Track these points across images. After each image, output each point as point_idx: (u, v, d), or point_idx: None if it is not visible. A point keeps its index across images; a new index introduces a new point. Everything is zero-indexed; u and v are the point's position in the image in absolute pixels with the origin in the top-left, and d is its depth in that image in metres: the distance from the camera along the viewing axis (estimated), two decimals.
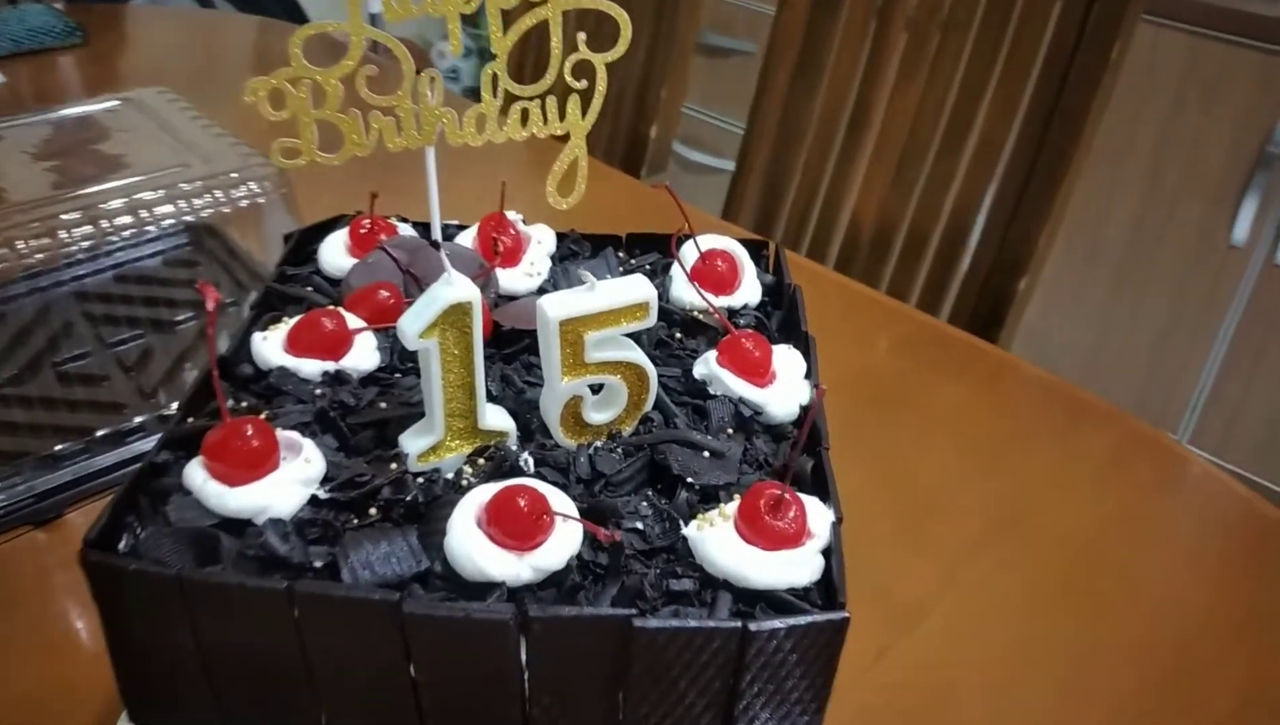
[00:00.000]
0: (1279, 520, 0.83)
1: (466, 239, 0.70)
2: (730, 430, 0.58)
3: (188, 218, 0.91)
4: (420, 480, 0.54)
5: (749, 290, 0.68)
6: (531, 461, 0.55)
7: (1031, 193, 1.33)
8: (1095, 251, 2.09)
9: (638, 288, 0.55)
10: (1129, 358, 2.12)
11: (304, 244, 0.72)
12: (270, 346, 0.59)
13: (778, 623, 0.47)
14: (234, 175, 0.94)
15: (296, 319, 0.61)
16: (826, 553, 0.50)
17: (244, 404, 0.57)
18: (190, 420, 0.56)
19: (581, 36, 0.64)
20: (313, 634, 0.47)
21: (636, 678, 0.48)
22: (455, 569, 0.49)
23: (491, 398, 0.58)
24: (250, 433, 0.51)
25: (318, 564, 0.49)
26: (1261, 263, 1.88)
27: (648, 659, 0.47)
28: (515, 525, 0.48)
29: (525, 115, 0.66)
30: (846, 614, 0.47)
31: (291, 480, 0.51)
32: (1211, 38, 1.84)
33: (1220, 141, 1.87)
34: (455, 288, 0.52)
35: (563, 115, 0.66)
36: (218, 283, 0.99)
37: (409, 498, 0.52)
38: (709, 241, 0.69)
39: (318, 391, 0.58)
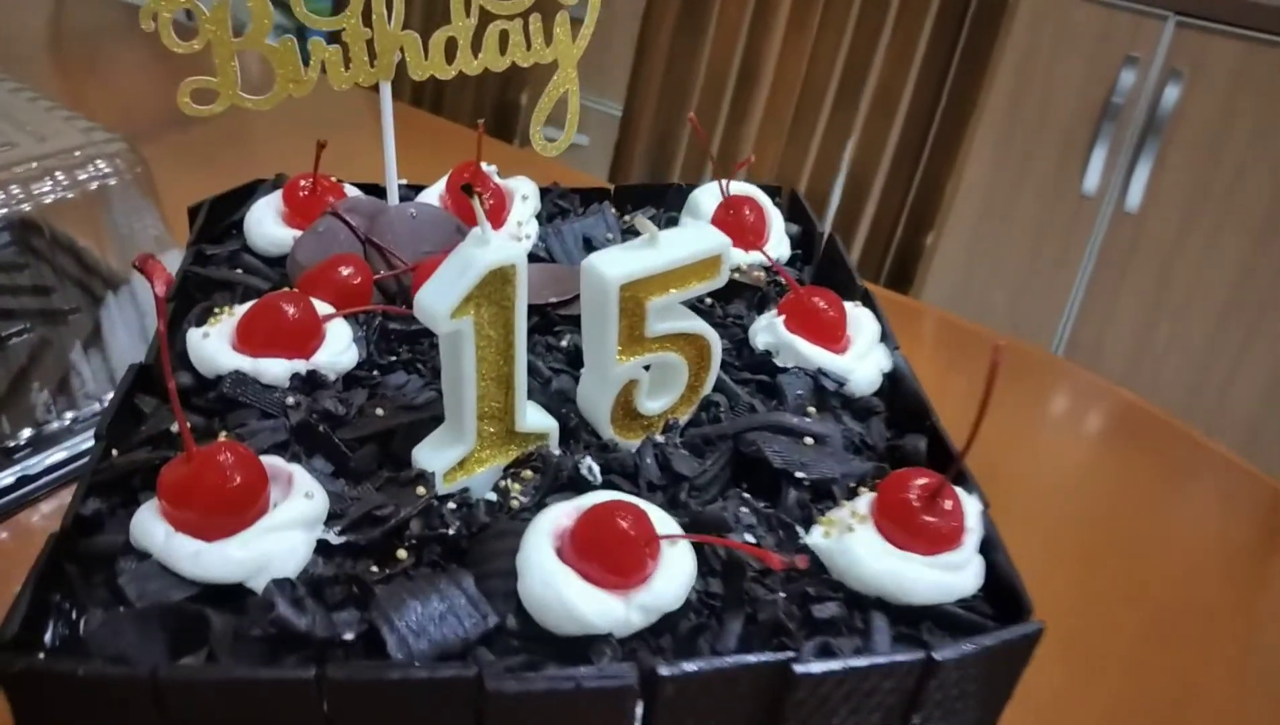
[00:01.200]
0: None
1: (431, 198, 0.56)
2: (813, 409, 0.47)
3: (24, 206, 0.72)
4: (452, 506, 0.41)
5: (779, 241, 0.57)
6: (597, 468, 0.43)
7: (937, 141, 1.28)
8: (954, 200, 2.09)
9: (708, 237, 0.44)
10: (988, 308, 2.14)
11: (219, 216, 0.56)
12: (215, 346, 0.45)
13: (967, 646, 0.37)
14: (76, 154, 0.76)
15: (245, 308, 0.46)
16: (985, 550, 0.41)
17: (188, 425, 0.42)
18: (114, 453, 0.41)
19: None
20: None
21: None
22: (536, 621, 0.37)
23: None
24: (229, 463, 0.37)
25: (349, 636, 0.35)
26: (1111, 211, 1.92)
27: (806, 709, 0.36)
28: (618, 556, 0.36)
29: (504, 39, 0.53)
30: (1040, 623, 0.38)
31: (290, 524, 0.37)
32: None
33: (1069, 92, 1.90)
34: (493, 247, 0.39)
35: (549, 39, 0.54)
36: (50, 288, 0.80)
37: (448, 532, 0.39)
38: (728, 188, 0.58)
39: (289, 400, 0.44)
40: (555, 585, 0.36)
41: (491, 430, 0.43)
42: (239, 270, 0.53)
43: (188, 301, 0.50)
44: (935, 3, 1.25)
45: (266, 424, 0.43)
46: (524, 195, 0.57)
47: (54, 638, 0.35)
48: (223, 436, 0.42)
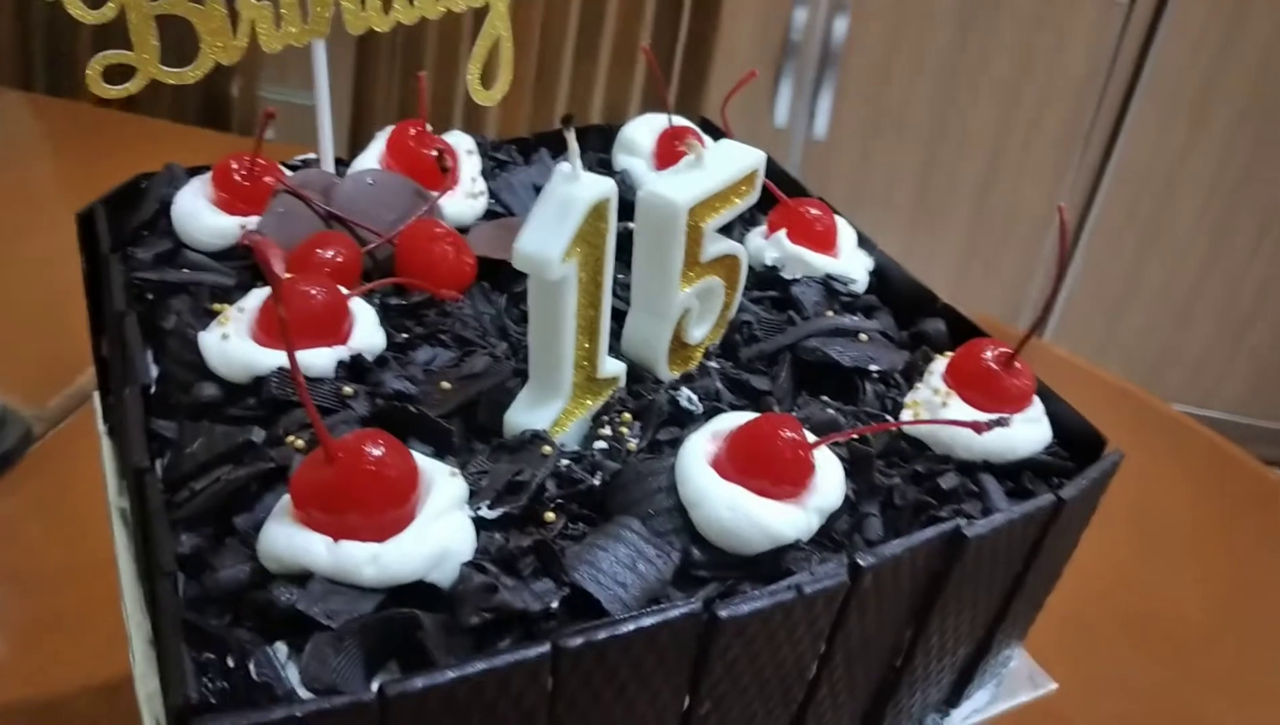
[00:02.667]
0: None
1: (371, 163, 0.52)
2: (830, 313, 0.49)
3: None
4: (566, 464, 0.39)
5: None
6: (695, 397, 0.42)
7: (683, 85, 1.33)
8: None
9: (744, 153, 0.44)
10: None
11: (119, 221, 0.49)
12: (240, 346, 0.39)
13: (1083, 482, 0.40)
14: None
15: (255, 302, 0.41)
16: (1044, 400, 0.45)
17: (258, 436, 0.37)
18: (190, 485, 0.35)
19: None
20: (570, 700, 0.32)
21: (948, 595, 0.39)
22: (721, 547, 0.36)
23: None
24: (381, 453, 0.33)
25: (554, 604, 0.33)
26: (802, 140, 2.08)
27: (969, 568, 0.39)
28: (791, 465, 0.37)
29: None
30: (1120, 451, 0.43)
31: (451, 506, 0.34)
32: None
33: (750, 32, 2.02)
34: (586, 183, 0.37)
35: None
36: None
37: (593, 483, 0.38)
38: (653, 122, 0.58)
39: (346, 389, 0.39)
40: (741, 506, 0.36)
41: (576, 380, 0.41)
42: (185, 270, 0.46)
43: (147, 314, 0.43)
44: None
45: (333, 419, 0.38)
46: (469, 150, 0.53)
47: (220, 691, 0.30)
48: (290, 440, 0.37)
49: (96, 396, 0.57)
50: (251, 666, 0.30)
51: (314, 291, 0.40)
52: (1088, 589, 0.70)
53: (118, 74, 0.43)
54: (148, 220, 0.49)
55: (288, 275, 0.42)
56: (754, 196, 0.45)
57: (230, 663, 0.31)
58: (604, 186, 0.37)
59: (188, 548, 0.33)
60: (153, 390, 0.40)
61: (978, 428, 0.37)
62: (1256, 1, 1.77)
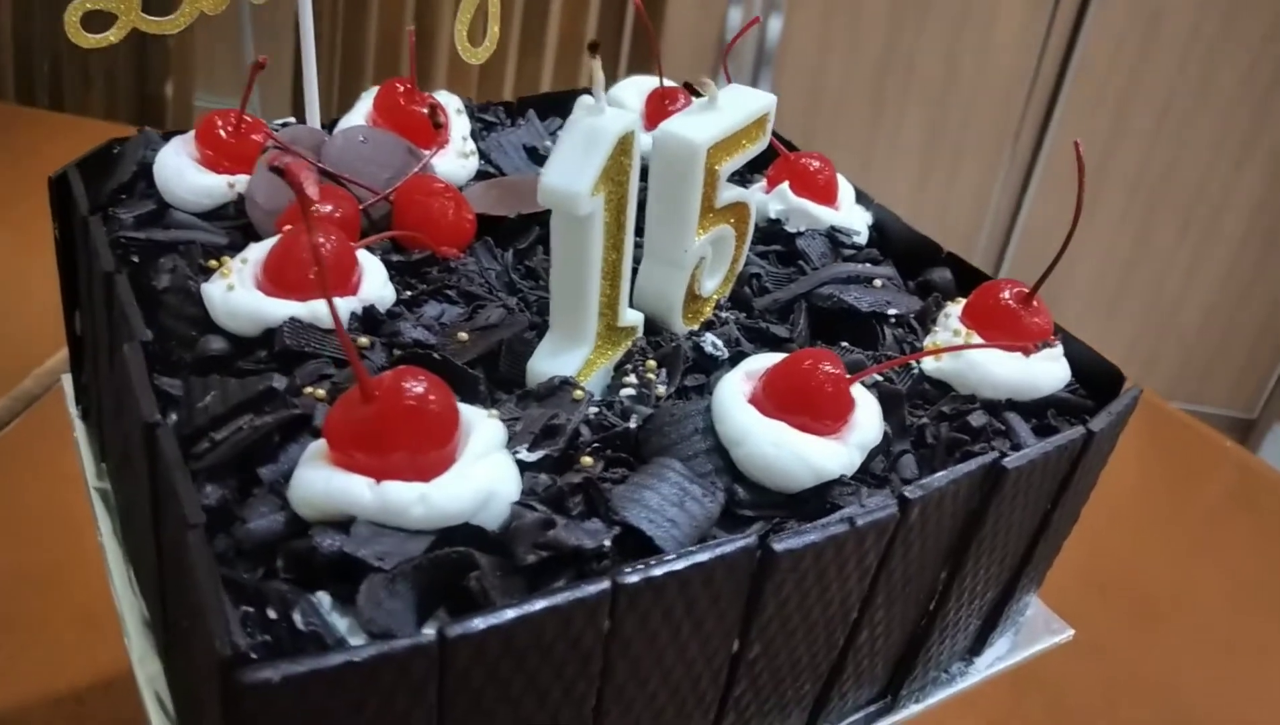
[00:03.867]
0: None
1: (359, 121, 0.50)
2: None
3: None
4: (596, 412, 0.37)
5: None
6: (720, 342, 0.41)
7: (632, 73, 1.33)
8: None
9: (755, 95, 0.43)
10: None
11: (96, 183, 0.46)
12: (246, 297, 0.37)
13: (1110, 415, 0.41)
14: None
15: (258, 253, 0.39)
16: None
17: (279, 383, 0.35)
18: (210, 436, 0.33)
19: None
20: (625, 642, 0.31)
21: (985, 529, 0.39)
22: (766, 485, 0.35)
23: None
24: (422, 388, 0.31)
25: (606, 543, 0.32)
26: None
27: (1007, 499, 0.38)
28: (834, 400, 0.36)
29: None
30: (1139, 387, 0.43)
31: (493, 446, 0.33)
32: None
33: (686, 33, 2.03)
34: (610, 115, 0.36)
35: None
36: None
37: (628, 426, 0.36)
38: (640, 84, 0.57)
39: (361, 340, 0.38)
40: (787, 442, 0.35)
41: (598, 329, 0.40)
42: (172, 229, 0.44)
43: (136, 273, 0.41)
44: None
45: (350, 371, 0.36)
46: (457, 109, 0.52)
47: (274, 640, 0.28)
48: (316, 391, 0.35)
49: (66, 379, 0.54)
50: (297, 616, 0.29)
51: (325, 242, 0.38)
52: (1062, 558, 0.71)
53: (98, 23, 0.41)
54: (125, 182, 0.46)
55: (288, 227, 0.40)
56: (764, 141, 0.44)
57: (272, 614, 0.29)
58: (629, 119, 0.36)
59: (212, 499, 0.31)
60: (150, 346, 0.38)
61: (1025, 350, 0.37)
62: (1174, 1, 1.83)
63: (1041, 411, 0.42)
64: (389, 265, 0.44)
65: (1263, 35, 1.84)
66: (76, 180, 0.46)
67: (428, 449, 0.31)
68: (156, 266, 0.42)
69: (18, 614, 0.66)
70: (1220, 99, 1.90)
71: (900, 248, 0.51)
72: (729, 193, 0.44)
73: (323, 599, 0.29)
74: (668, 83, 0.57)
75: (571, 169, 0.35)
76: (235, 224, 0.45)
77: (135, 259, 0.43)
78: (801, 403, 0.36)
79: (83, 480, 0.51)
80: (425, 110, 0.48)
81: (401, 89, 0.49)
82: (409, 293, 0.43)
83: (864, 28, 1.92)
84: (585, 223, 0.36)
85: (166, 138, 0.50)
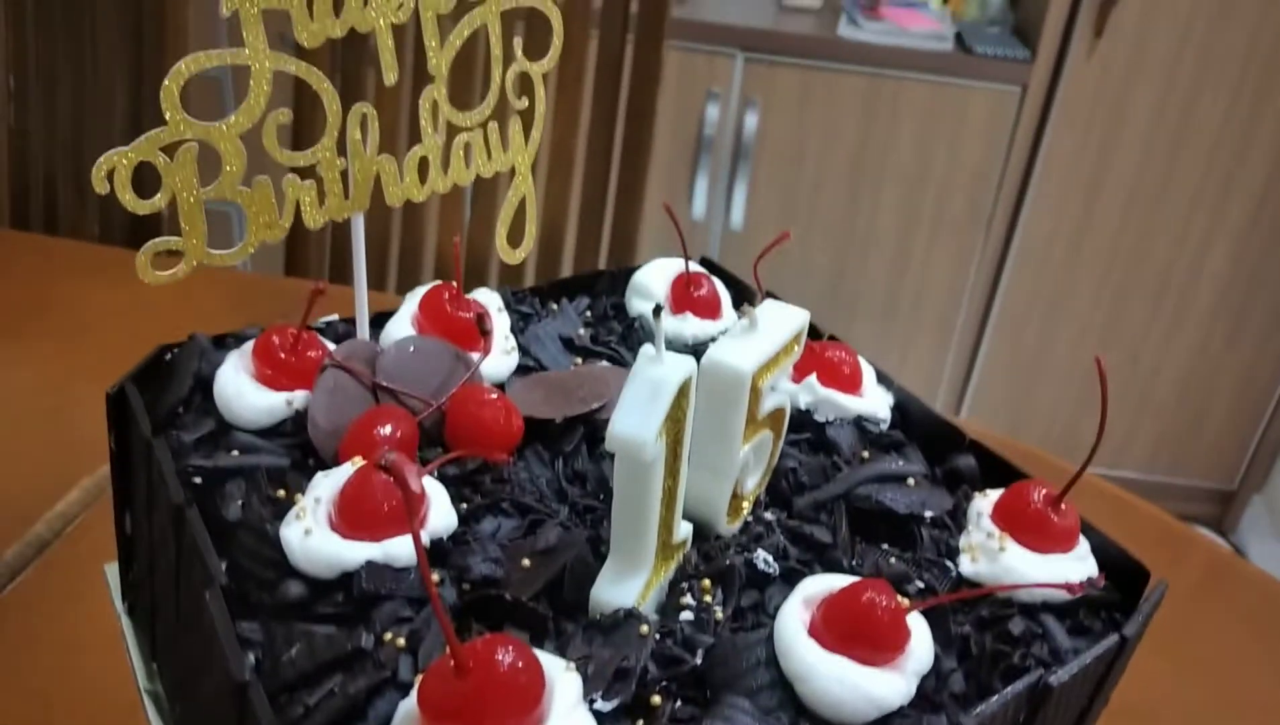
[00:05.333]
0: None
1: (404, 325, 0.51)
2: (865, 453, 0.51)
3: None
4: (659, 639, 0.39)
5: (729, 311, 0.60)
6: (771, 558, 0.43)
7: (621, 192, 1.36)
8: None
9: (791, 315, 0.46)
10: None
11: (152, 395, 0.48)
12: (323, 540, 0.38)
13: (1141, 617, 0.43)
14: None
15: (329, 491, 0.40)
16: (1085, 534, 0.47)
17: (366, 642, 0.36)
18: (303, 700, 0.34)
19: (518, 41, 0.51)
20: None
21: None
22: (829, 718, 0.37)
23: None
24: (513, 660, 0.32)
25: None
26: (720, 230, 2.13)
27: (1050, 712, 0.40)
28: (890, 634, 0.38)
29: (468, 151, 0.50)
30: (1165, 580, 0.45)
31: (575, 702, 0.34)
32: None
33: (665, 128, 2.08)
34: (670, 364, 0.38)
35: (505, 144, 0.52)
36: None
37: (695, 662, 0.38)
38: (665, 267, 0.60)
39: (433, 577, 0.39)
40: (850, 681, 0.36)
41: (657, 548, 0.41)
42: (235, 452, 0.45)
43: (201, 499, 0.42)
44: (592, 65, 1.32)
45: (428, 610, 0.38)
46: (499, 308, 0.54)
47: None
48: (397, 640, 0.36)
49: (110, 569, 0.55)
50: None
51: (408, 472, 0.40)
52: None
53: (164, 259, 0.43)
54: (184, 398, 0.48)
55: (361, 461, 0.41)
56: (799, 352, 0.46)
57: None
58: (687, 366, 0.38)
59: None
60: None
61: (1071, 589, 0.39)
62: (1137, 88, 1.90)
63: (1075, 610, 0.44)
64: (446, 479, 0.45)
65: (1221, 121, 1.91)
66: (135, 396, 0.47)
67: (519, 718, 0.32)
68: (223, 493, 0.43)
69: None
70: (1185, 180, 1.96)
71: (922, 431, 0.53)
72: (770, 401, 0.46)
73: None
74: (679, 264, 0.59)
75: (637, 420, 0.37)
76: (295, 441, 0.46)
77: (198, 480, 0.44)
78: (863, 637, 0.37)
79: (132, 678, 0.51)
80: (472, 317, 0.50)
81: (447, 295, 0.51)
82: (465, 505, 0.45)
83: (838, 120, 1.98)
84: (650, 465, 0.38)
85: (217, 343, 0.51)
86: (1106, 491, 0.97)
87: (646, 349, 0.38)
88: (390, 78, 0.46)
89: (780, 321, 0.45)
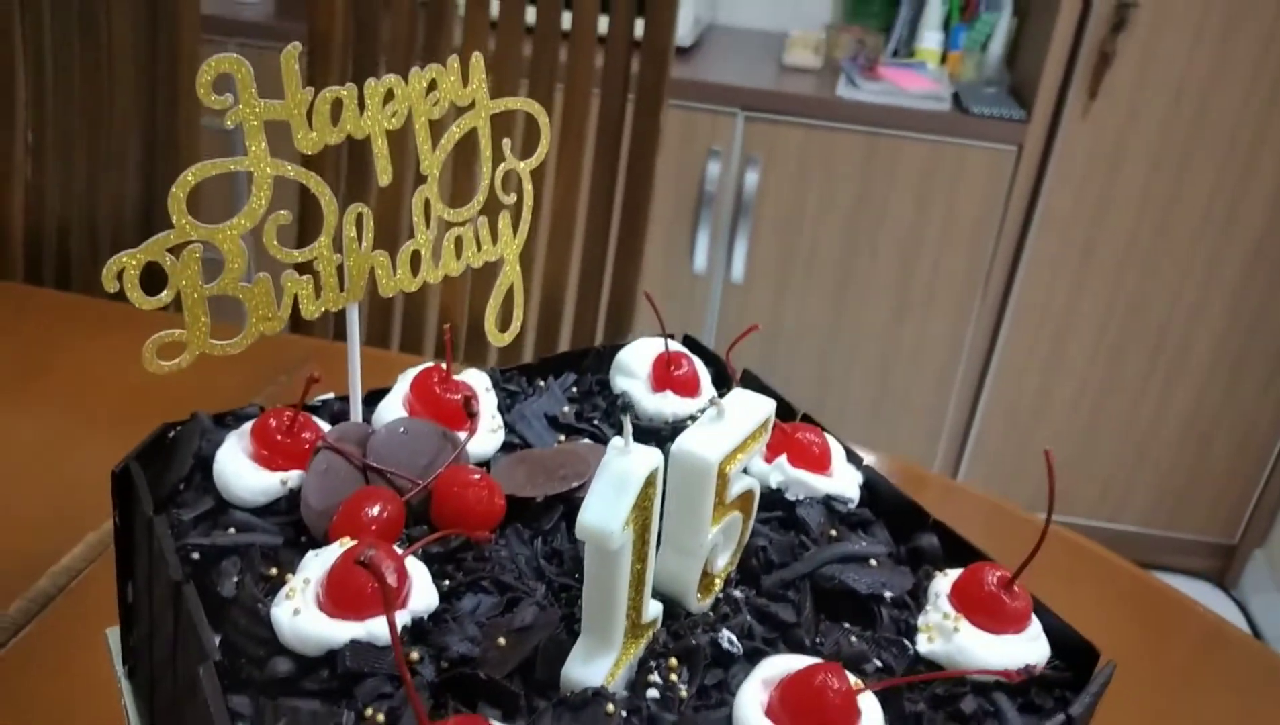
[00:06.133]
0: None
1: (396, 406, 0.54)
2: (833, 531, 0.53)
3: None
4: (625, 715, 0.41)
5: (708, 389, 0.62)
6: (735, 638, 0.45)
7: (621, 253, 1.39)
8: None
9: (758, 404, 0.49)
10: None
11: (154, 472, 0.50)
12: (312, 620, 0.41)
13: (1088, 698, 0.45)
14: None
15: (317, 572, 0.43)
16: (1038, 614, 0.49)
17: (347, 720, 0.39)
18: None
19: (507, 143, 0.54)
20: None
21: None
22: None
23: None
24: None
25: None
26: (721, 284, 2.17)
27: None
28: (839, 716, 0.40)
29: (458, 244, 0.54)
30: (1113, 662, 0.47)
31: None
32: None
33: (668, 185, 2.12)
34: (637, 456, 0.41)
35: (494, 236, 0.55)
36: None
37: None
38: (645, 347, 0.62)
39: (413, 655, 0.42)
40: None
41: (623, 629, 0.44)
42: (232, 529, 0.48)
43: (197, 574, 0.45)
44: (593, 126, 1.36)
45: (403, 691, 0.40)
46: (486, 388, 0.57)
47: None
48: (377, 715, 0.39)
49: (112, 634, 0.58)
50: None
51: (385, 567, 0.42)
52: None
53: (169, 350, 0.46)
54: (184, 476, 0.51)
55: (349, 541, 0.44)
56: (766, 439, 0.49)
57: None
58: (653, 459, 0.41)
59: None
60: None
61: (1009, 676, 0.41)
62: (1131, 147, 1.93)
63: (1026, 690, 0.46)
64: (430, 556, 0.48)
65: (1216, 177, 1.94)
66: (139, 475, 0.50)
67: None
68: (219, 570, 0.46)
69: None
70: (1180, 236, 1.99)
71: (889, 508, 0.56)
72: (739, 485, 0.48)
73: None
74: (674, 346, 0.62)
75: (604, 511, 0.40)
76: (289, 519, 0.49)
77: (196, 556, 0.47)
78: (815, 718, 0.40)
79: None
80: (460, 399, 0.53)
81: (437, 377, 0.54)
82: (447, 583, 0.47)
83: (837, 177, 2.02)
84: (617, 552, 0.41)
85: (217, 421, 0.54)
86: (1117, 565, 0.99)
87: (615, 441, 0.41)
88: (384, 180, 0.49)
89: (747, 410, 0.48)
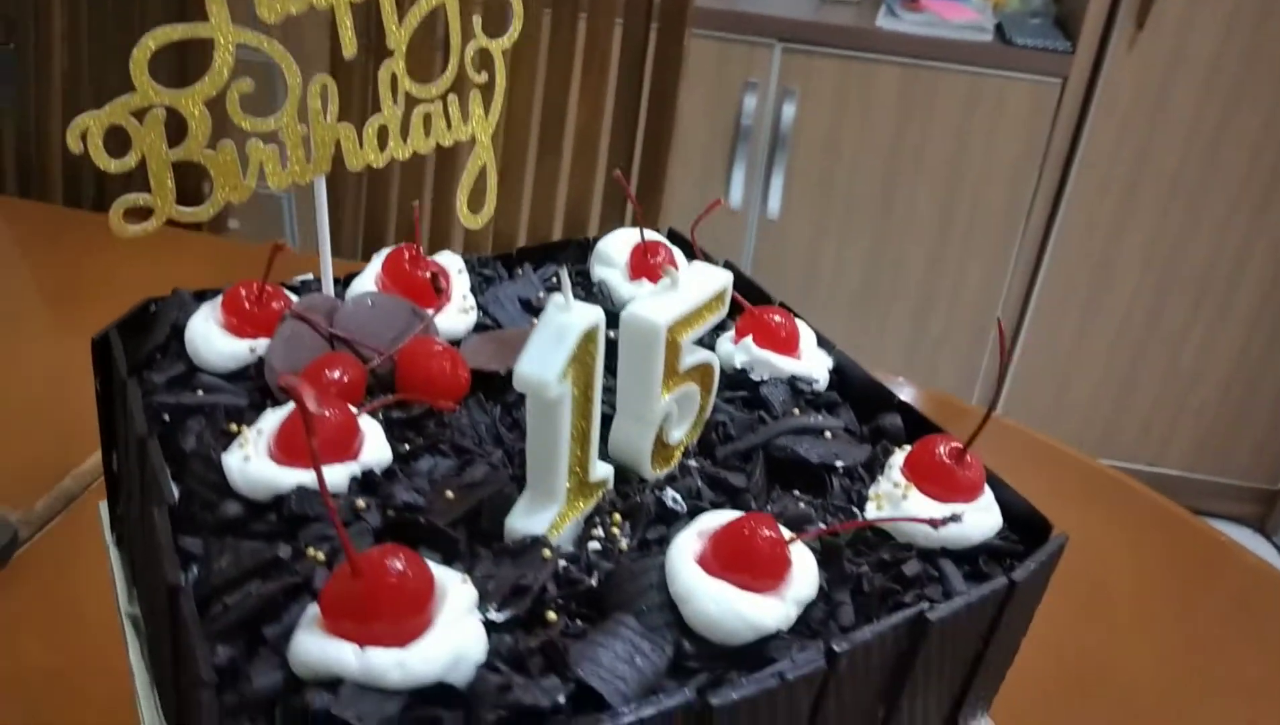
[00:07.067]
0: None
1: (368, 284, 0.56)
2: (796, 411, 0.53)
3: None
4: (564, 566, 0.42)
5: None
6: (680, 497, 0.46)
7: (643, 176, 1.39)
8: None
9: (714, 276, 0.49)
10: None
11: (131, 344, 0.52)
12: (261, 466, 0.42)
13: (1032, 564, 0.45)
14: None
15: (273, 423, 0.44)
16: (993, 488, 0.49)
17: (284, 552, 0.40)
18: (222, 600, 0.38)
19: (477, 20, 0.54)
20: None
21: (915, 674, 0.43)
22: (710, 639, 0.40)
23: None
24: (402, 565, 0.36)
25: (561, 699, 0.36)
26: (757, 220, 2.15)
27: (932, 649, 0.43)
28: (771, 561, 0.41)
29: (427, 121, 0.54)
30: (1065, 535, 0.47)
31: (465, 610, 0.37)
32: None
33: (702, 119, 2.10)
34: (578, 312, 0.41)
35: (465, 116, 0.55)
36: None
37: (590, 583, 0.41)
38: (626, 237, 0.63)
39: (359, 502, 0.43)
40: (726, 601, 0.39)
41: (569, 486, 0.45)
42: (200, 391, 0.49)
43: (166, 433, 0.47)
44: (616, 53, 1.36)
45: (351, 531, 0.42)
46: (459, 269, 0.58)
47: None
48: (317, 555, 0.40)
49: (103, 507, 0.60)
50: None
51: (330, 414, 0.44)
52: (1045, 656, 0.74)
53: (136, 214, 0.47)
54: (161, 344, 0.52)
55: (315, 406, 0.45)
56: (723, 312, 0.49)
57: None
58: (594, 315, 0.42)
59: (223, 659, 0.36)
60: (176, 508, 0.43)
61: (934, 523, 0.42)
62: (1179, 79, 1.87)
63: (974, 558, 0.46)
64: (392, 422, 0.49)
65: (1265, 117, 1.88)
66: (117, 342, 0.52)
67: (405, 619, 0.36)
68: (185, 427, 0.47)
69: (57, 714, 0.71)
70: (1227, 176, 1.93)
71: (857, 392, 0.56)
72: (693, 357, 0.49)
73: None
74: (652, 235, 0.62)
75: (543, 361, 0.40)
76: (255, 385, 0.50)
77: (166, 418, 0.48)
78: (742, 564, 0.40)
79: (115, 603, 0.56)
80: (428, 276, 0.53)
81: (407, 255, 0.55)
82: (407, 447, 0.48)
83: (876, 111, 1.98)
84: (555, 403, 0.41)
85: (198, 297, 0.56)
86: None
87: (555, 297, 0.42)
88: (349, 52, 0.49)
89: (702, 282, 0.48)
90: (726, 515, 0.43)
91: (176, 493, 0.44)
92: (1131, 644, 0.82)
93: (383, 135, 0.53)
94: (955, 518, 0.42)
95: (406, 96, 0.53)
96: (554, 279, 0.63)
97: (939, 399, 1.06)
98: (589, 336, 0.42)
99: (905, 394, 0.94)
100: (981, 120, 1.95)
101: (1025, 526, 0.48)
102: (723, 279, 0.48)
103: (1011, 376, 2.18)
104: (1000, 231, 2.04)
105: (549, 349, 0.41)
